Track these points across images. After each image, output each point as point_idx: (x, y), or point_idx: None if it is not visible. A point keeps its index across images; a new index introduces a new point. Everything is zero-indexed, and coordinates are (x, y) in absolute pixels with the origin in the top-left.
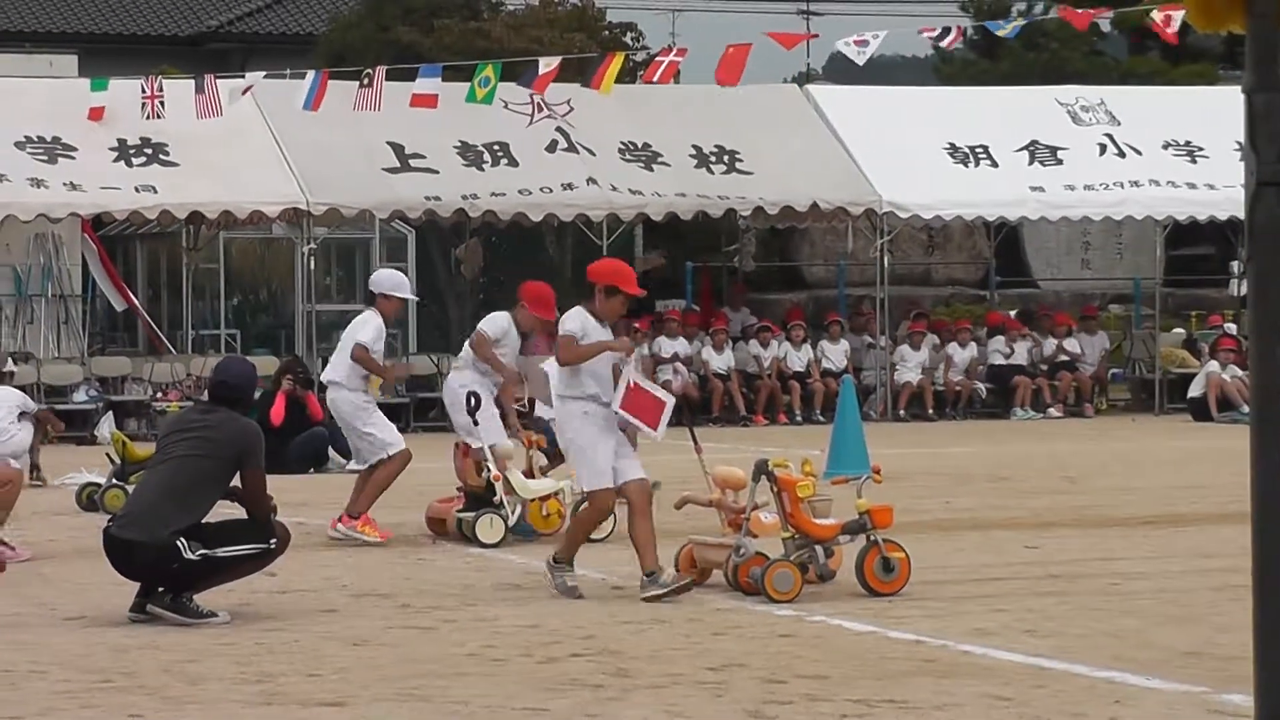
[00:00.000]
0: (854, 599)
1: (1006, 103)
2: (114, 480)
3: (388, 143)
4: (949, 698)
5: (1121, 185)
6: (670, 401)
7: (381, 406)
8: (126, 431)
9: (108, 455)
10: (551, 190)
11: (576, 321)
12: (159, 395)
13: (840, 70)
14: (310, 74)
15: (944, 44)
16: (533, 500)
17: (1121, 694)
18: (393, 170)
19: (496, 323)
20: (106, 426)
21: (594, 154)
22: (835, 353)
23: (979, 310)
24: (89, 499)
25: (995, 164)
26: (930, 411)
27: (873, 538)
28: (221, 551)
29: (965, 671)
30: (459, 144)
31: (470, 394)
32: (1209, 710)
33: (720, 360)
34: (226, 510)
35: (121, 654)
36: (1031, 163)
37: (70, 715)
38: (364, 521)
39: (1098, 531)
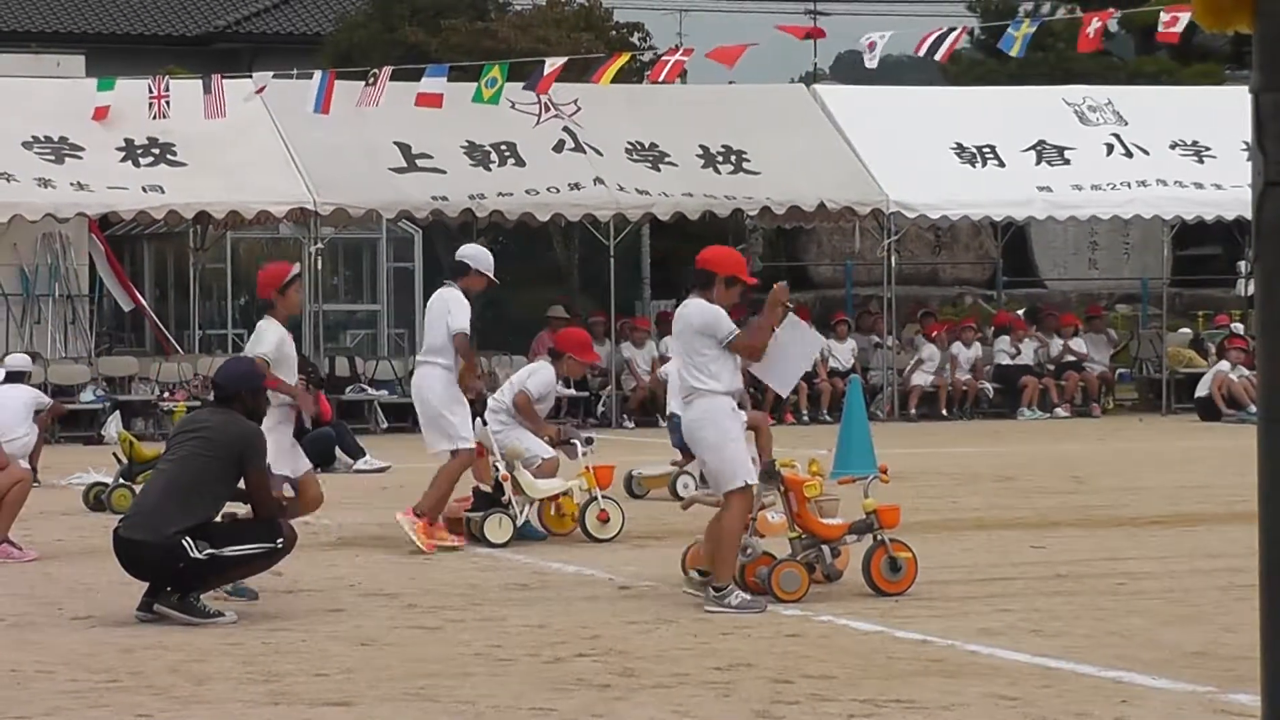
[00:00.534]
0: (861, 599)
1: (1013, 103)
2: (121, 480)
3: (394, 143)
4: (955, 697)
5: (1129, 185)
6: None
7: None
8: (134, 431)
9: (115, 455)
10: (558, 190)
11: (726, 316)
12: (166, 395)
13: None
14: (317, 74)
15: (938, 56)
16: (543, 500)
17: (1128, 694)
18: (399, 170)
19: (543, 380)
20: (113, 426)
21: (601, 154)
22: (842, 352)
23: (988, 310)
24: (96, 499)
25: (1002, 164)
26: (944, 411)
27: (879, 537)
28: (228, 551)
29: (972, 671)
30: (466, 144)
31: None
32: (1215, 710)
33: None
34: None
35: (128, 654)
36: (1039, 163)
37: (77, 715)
38: (425, 524)
39: (1104, 531)
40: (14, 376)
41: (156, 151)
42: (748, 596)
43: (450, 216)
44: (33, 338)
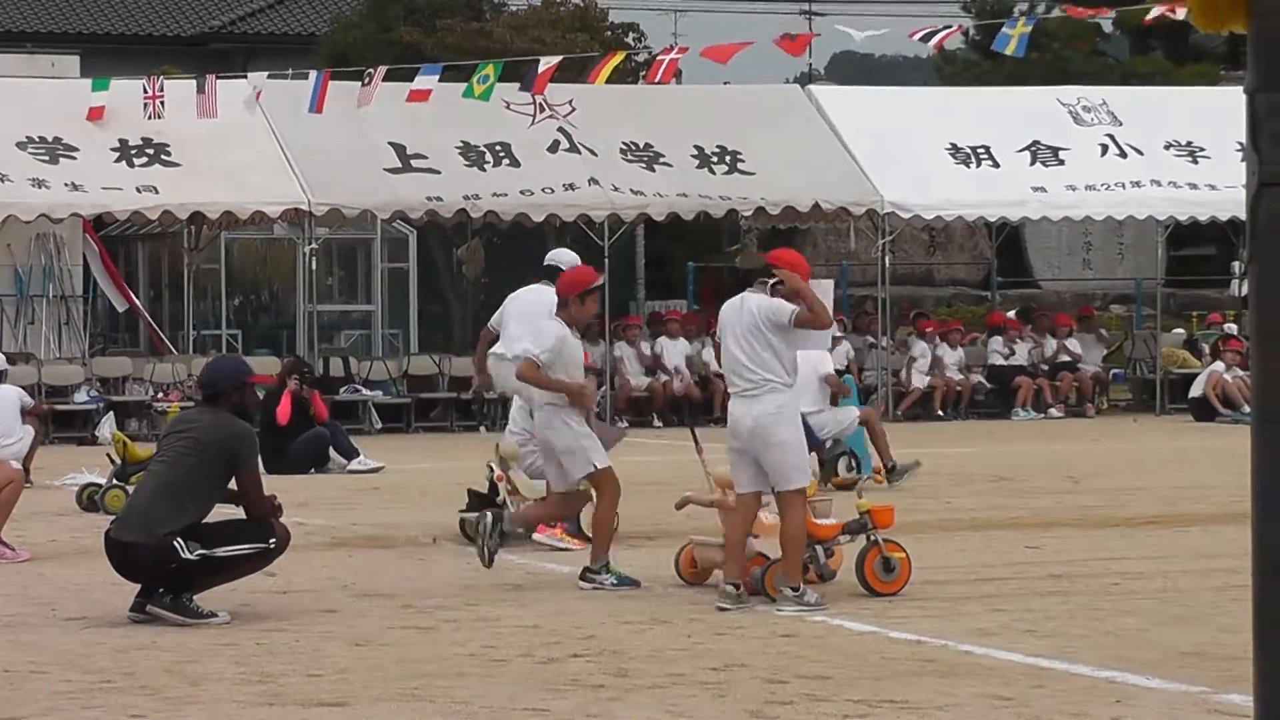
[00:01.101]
0: (855, 599)
1: (1008, 103)
2: (114, 481)
3: (389, 143)
4: (950, 698)
5: (1123, 185)
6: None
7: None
8: (127, 432)
9: (108, 456)
10: (553, 190)
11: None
12: (160, 396)
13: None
14: (312, 74)
15: (931, 45)
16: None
17: (1122, 694)
18: (394, 170)
19: (543, 335)
20: (107, 427)
21: (596, 154)
22: (837, 353)
23: (980, 310)
24: (89, 499)
25: (997, 164)
26: (939, 411)
27: (873, 538)
28: (220, 551)
29: (966, 672)
30: (460, 144)
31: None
32: (1209, 710)
33: None
34: (227, 512)
35: (122, 654)
36: (1033, 163)
37: (71, 715)
38: (560, 528)
39: (1098, 532)
40: None
41: (151, 152)
42: (820, 595)
43: (445, 217)
44: (27, 338)
